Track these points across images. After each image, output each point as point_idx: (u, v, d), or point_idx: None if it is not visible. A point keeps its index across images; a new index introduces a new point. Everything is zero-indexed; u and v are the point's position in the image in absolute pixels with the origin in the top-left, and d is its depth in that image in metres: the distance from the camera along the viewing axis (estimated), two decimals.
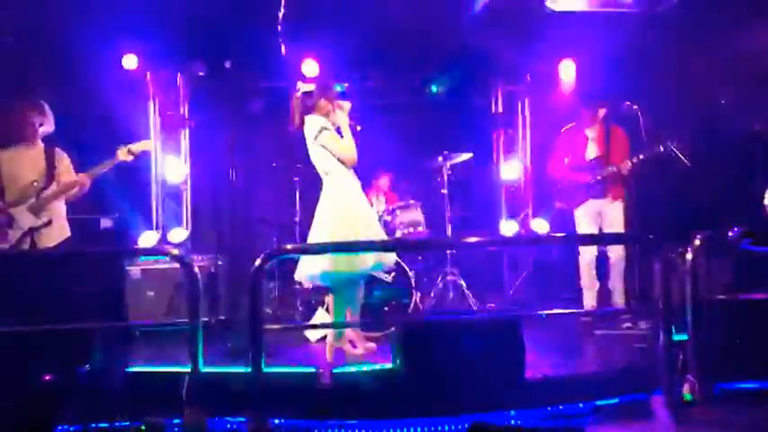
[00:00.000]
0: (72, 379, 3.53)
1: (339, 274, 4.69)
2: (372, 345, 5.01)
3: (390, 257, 5.04)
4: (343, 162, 4.78)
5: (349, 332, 5.00)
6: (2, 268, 4.48)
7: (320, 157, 4.82)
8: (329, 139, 4.76)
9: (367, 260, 4.71)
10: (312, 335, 5.56)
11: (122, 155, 5.03)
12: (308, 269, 4.75)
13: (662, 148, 5.58)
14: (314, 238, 4.81)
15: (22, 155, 5.01)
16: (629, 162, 5.77)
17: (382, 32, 6.90)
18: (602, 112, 5.96)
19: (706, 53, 6.52)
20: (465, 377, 3.65)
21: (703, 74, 6.61)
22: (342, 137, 4.81)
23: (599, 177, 5.87)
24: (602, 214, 5.95)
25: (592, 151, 6.01)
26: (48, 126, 5.08)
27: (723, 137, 6.52)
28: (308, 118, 4.85)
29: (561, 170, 6.09)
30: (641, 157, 5.72)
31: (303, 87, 4.95)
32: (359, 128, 4.91)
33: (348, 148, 4.78)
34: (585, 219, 5.96)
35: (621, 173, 5.82)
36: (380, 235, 5.05)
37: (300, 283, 5.54)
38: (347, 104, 4.93)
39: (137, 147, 5.08)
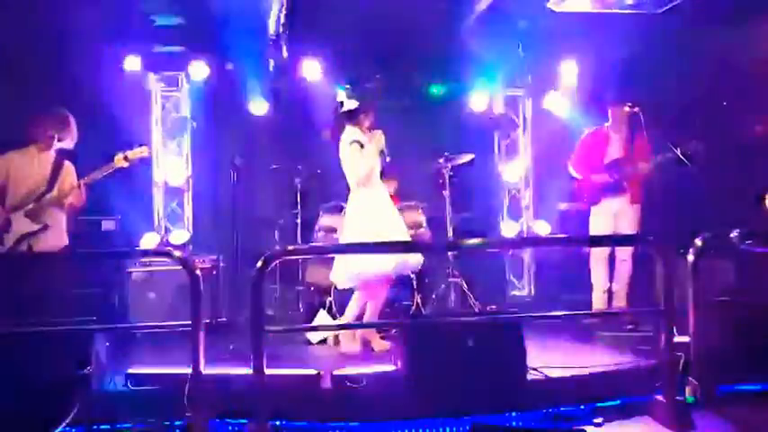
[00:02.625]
0: (73, 380, 3.52)
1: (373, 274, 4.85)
2: (387, 344, 5.03)
3: (417, 258, 5.12)
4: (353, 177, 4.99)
5: (366, 331, 5.11)
6: (5, 269, 4.49)
7: (350, 168, 5.00)
8: (352, 153, 4.96)
9: (395, 260, 4.89)
10: (313, 336, 5.55)
11: (119, 162, 5.06)
12: (347, 270, 4.96)
13: (678, 151, 5.59)
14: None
15: (31, 158, 5.03)
16: (647, 164, 5.79)
17: (383, 34, 6.90)
18: (625, 111, 5.93)
19: (708, 54, 6.52)
20: (466, 378, 3.65)
21: (705, 75, 6.61)
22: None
23: (618, 177, 5.90)
24: (618, 215, 5.96)
25: (614, 152, 6.02)
26: (67, 142, 5.10)
27: (724, 138, 6.51)
28: (348, 128, 5.04)
29: (583, 169, 6.11)
30: (659, 159, 5.73)
31: (346, 105, 5.12)
32: (388, 159, 5.10)
33: (362, 169, 4.94)
34: (602, 217, 5.98)
35: (641, 173, 5.85)
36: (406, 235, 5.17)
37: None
38: (380, 134, 5.06)
39: (133, 153, 5.12)
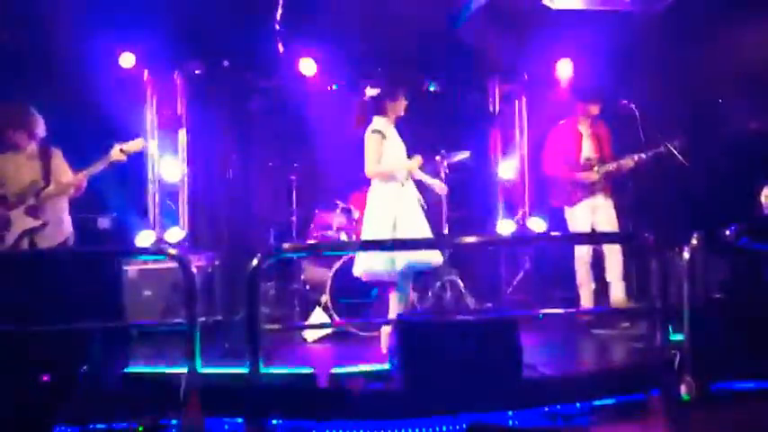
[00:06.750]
0: (70, 379, 3.52)
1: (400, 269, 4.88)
2: None
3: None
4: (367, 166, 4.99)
5: None
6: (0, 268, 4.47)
7: (366, 157, 5.01)
8: (370, 142, 4.96)
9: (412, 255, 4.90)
10: (309, 335, 5.55)
11: (115, 155, 5.01)
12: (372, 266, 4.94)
13: (663, 148, 5.59)
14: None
15: (17, 157, 5.00)
16: (630, 161, 5.78)
17: (379, 30, 6.89)
18: (595, 108, 5.96)
19: (703, 52, 6.52)
20: (463, 377, 3.65)
21: (701, 72, 6.62)
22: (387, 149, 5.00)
23: (604, 174, 5.89)
24: (595, 211, 5.96)
25: (587, 149, 6.02)
26: (40, 133, 5.06)
27: (720, 135, 6.52)
28: (374, 118, 5.06)
29: (556, 167, 6.09)
30: (643, 156, 5.73)
31: (369, 92, 5.18)
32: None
33: (377, 166, 4.95)
34: (582, 217, 5.97)
35: (622, 170, 5.84)
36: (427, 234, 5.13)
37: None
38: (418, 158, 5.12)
39: (129, 146, 5.06)
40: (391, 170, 4.99)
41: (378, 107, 5.08)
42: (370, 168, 4.97)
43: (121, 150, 5.01)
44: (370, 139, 4.97)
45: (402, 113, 5.16)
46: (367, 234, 5.03)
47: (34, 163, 5.00)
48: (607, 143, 6.00)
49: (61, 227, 5.05)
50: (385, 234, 4.85)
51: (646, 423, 3.68)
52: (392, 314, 5.03)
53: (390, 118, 5.09)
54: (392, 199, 4.98)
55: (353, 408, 3.69)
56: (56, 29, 6.31)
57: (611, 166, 5.87)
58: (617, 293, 5.87)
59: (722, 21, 6.32)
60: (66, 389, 3.50)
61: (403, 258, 4.83)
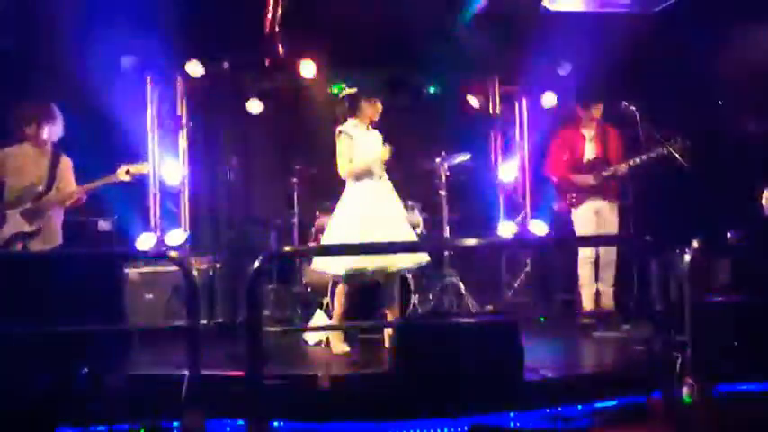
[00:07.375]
0: (71, 382, 3.52)
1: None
2: (347, 349, 5.08)
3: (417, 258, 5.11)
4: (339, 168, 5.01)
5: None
6: (1, 269, 4.47)
7: (338, 159, 5.02)
8: (338, 143, 4.99)
9: (394, 260, 4.93)
10: (310, 337, 5.55)
11: (120, 175, 5.03)
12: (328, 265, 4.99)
13: (664, 150, 5.58)
14: (327, 239, 5.04)
15: (28, 154, 5.00)
16: (624, 165, 5.79)
17: (380, 33, 6.90)
18: (597, 111, 5.97)
19: (703, 53, 6.53)
20: (464, 379, 3.65)
21: (701, 74, 6.62)
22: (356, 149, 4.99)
23: (602, 178, 5.88)
24: (599, 214, 5.96)
25: (590, 151, 6.01)
26: (56, 135, 5.07)
27: (720, 138, 6.52)
28: (349, 120, 5.06)
29: (559, 170, 6.09)
30: (637, 160, 5.73)
31: (346, 91, 5.18)
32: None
33: (348, 165, 4.96)
34: (585, 218, 5.97)
35: (618, 174, 5.84)
36: (405, 237, 5.05)
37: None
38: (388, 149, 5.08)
39: (135, 168, 5.08)
40: (363, 168, 4.98)
41: (352, 107, 5.07)
42: (342, 170, 5.00)
43: (127, 172, 5.03)
44: (337, 141, 5.00)
45: (376, 118, 5.13)
46: (331, 232, 5.02)
47: (41, 165, 4.99)
48: (614, 145, 5.97)
49: (54, 235, 5.04)
50: (349, 233, 4.83)
51: (647, 425, 3.68)
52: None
53: (363, 120, 5.08)
54: (363, 196, 4.97)
55: (355, 409, 3.69)
56: (56, 32, 6.31)
57: (609, 170, 5.87)
58: (606, 301, 5.90)
59: (721, 22, 6.33)
60: (68, 391, 3.49)
61: (354, 261, 4.83)
